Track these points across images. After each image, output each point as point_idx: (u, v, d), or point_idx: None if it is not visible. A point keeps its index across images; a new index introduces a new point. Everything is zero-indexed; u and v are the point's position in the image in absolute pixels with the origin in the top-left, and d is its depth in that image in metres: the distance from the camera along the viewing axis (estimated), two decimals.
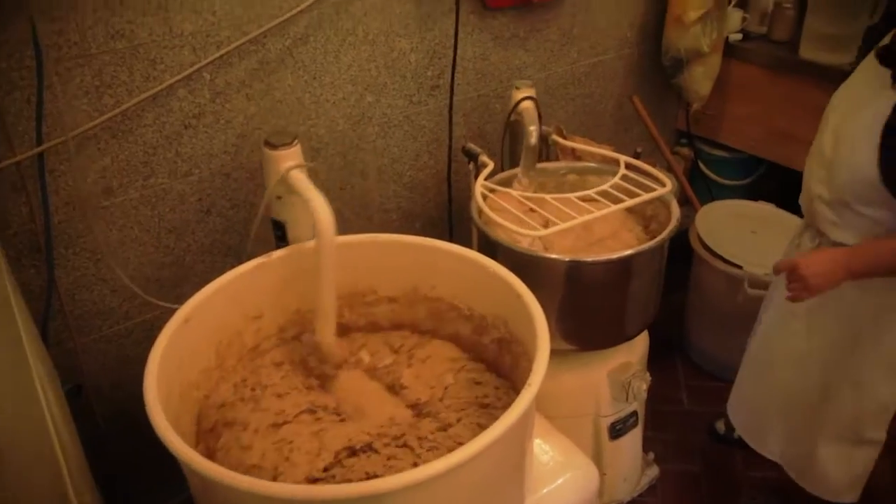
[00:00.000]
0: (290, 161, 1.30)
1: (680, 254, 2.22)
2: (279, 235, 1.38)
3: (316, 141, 1.71)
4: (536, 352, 1.00)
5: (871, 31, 2.02)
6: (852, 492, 1.66)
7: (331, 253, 1.19)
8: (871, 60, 1.34)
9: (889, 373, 1.49)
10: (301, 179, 1.27)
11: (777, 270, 1.41)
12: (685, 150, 2.67)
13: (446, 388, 1.19)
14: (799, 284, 1.33)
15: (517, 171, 1.74)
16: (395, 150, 1.87)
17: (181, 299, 1.18)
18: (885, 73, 1.25)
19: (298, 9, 1.53)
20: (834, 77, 2.09)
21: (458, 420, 1.11)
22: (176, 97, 1.46)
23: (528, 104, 1.71)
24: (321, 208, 1.19)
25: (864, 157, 1.26)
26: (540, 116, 1.69)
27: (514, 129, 1.79)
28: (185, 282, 1.63)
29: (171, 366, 1.08)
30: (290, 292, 1.32)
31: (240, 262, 1.35)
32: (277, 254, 1.30)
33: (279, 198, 1.33)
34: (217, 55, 1.46)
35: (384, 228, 1.93)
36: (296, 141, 1.33)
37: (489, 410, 1.15)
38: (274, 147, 1.31)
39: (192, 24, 1.42)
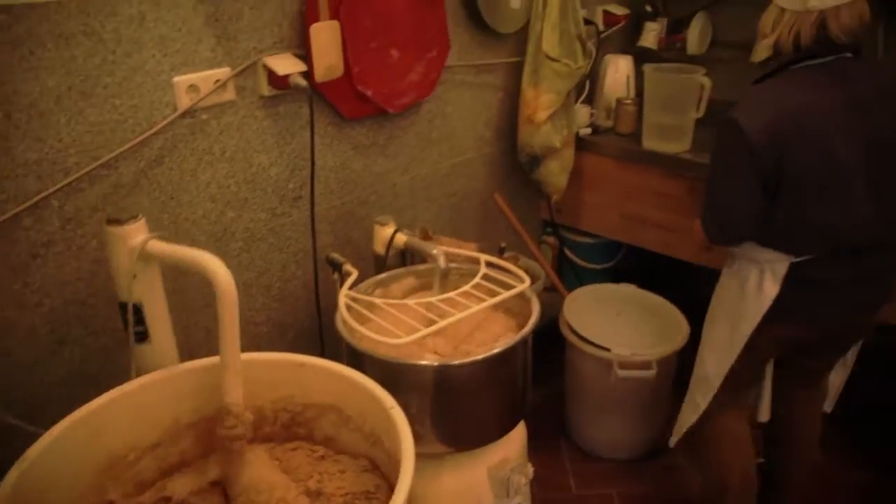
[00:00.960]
0: (141, 234, 1.27)
1: (555, 340, 2.30)
2: (137, 320, 1.33)
3: (193, 272, 1.67)
4: (401, 468, 1.00)
5: (699, 123, 2.22)
6: (675, 437, 1.96)
7: (233, 308, 1.18)
8: None
9: (712, 352, 1.77)
10: (169, 246, 1.24)
11: None
12: (551, 239, 2.79)
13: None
14: None
15: (383, 276, 1.77)
16: (261, 263, 1.86)
17: (32, 441, 1.13)
18: None
19: (151, 131, 1.53)
20: (673, 164, 2.27)
21: None
22: (21, 227, 1.41)
23: (403, 237, 1.76)
24: (211, 261, 1.17)
25: None
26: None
27: (388, 266, 1.83)
28: (36, 421, 1.53)
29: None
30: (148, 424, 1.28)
31: (100, 391, 1.30)
32: (138, 381, 1.27)
33: (135, 277, 1.28)
34: (65, 182, 1.43)
35: (255, 341, 1.90)
36: (140, 215, 1.30)
37: None
38: (120, 223, 1.26)
39: (36, 153, 1.39)
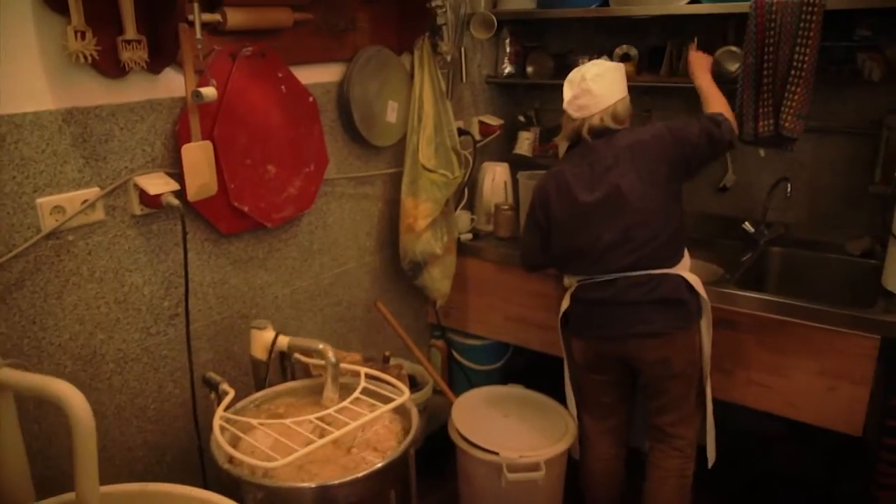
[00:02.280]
0: None
1: (447, 444, 2.28)
2: None
3: (46, 400, 1.59)
4: None
5: None
6: None
7: (89, 438, 1.12)
8: None
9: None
10: (22, 375, 1.18)
11: None
12: (440, 343, 2.81)
13: None
14: None
15: (263, 393, 1.74)
16: (136, 385, 1.79)
17: None
18: None
19: (11, 254, 1.48)
20: None
21: None
22: None
23: (286, 339, 1.75)
24: (64, 388, 1.11)
25: None
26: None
27: (270, 369, 1.80)
28: None
29: None
30: None
31: None
32: None
33: None
34: None
35: (129, 468, 1.80)
36: None
37: None
38: None
39: None
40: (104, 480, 1.38)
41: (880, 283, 2.06)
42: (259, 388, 1.79)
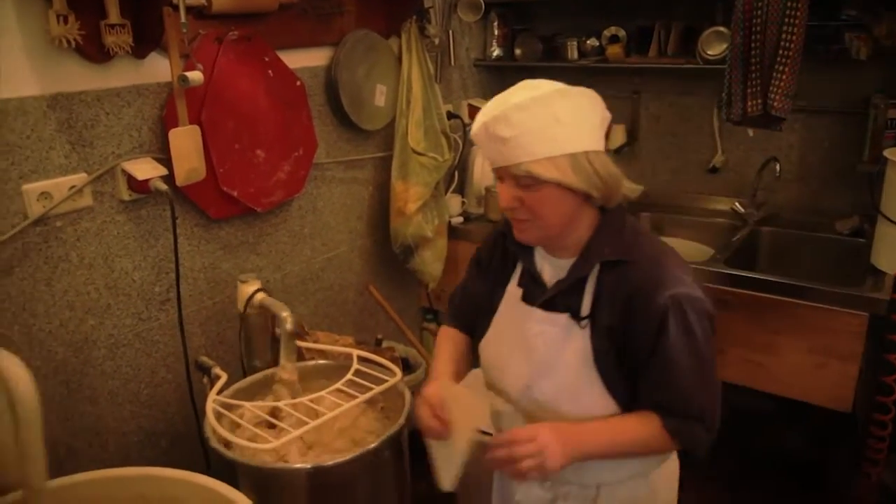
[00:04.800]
0: None
1: None
2: None
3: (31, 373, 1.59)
4: None
5: None
6: None
7: (33, 419, 1.08)
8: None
9: None
10: None
11: None
12: (432, 326, 2.81)
13: None
14: None
15: (259, 375, 1.74)
16: (128, 370, 1.79)
17: None
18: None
19: None
20: None
21: None
22: None
23: (262, 295, 1.74)
24: (12, 370, 1.06)
25: None
26: None
27: (249, 324, 1.80)
28: None
29: None
30: None
31: None
32: None
33: None
34: None
35: (123, 453, 1.81)
36: None
37: None
38: None
39: None
40: (98, 466, 1.39)
41: (869, 260, 2.07)
42: (242, 342, 1.83)
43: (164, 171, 1.68)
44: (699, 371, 1.18)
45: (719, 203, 2.63)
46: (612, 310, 1.21)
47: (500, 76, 2.99)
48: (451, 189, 2.67)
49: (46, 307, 1.60)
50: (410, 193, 2.33)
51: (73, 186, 1.58)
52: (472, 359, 1.48)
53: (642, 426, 1.21)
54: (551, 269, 1.29)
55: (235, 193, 1.86)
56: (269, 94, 1.91)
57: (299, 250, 2.20)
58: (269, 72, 1.90)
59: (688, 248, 2.44)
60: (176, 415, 1.93)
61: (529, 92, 1.14)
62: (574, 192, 1.16)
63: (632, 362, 1.21)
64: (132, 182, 1.65)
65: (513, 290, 1.35)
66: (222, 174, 1.81)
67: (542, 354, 1.26)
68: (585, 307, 1.23)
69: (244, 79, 1.84)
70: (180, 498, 1.24)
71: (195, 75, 1.61)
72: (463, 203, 2.70)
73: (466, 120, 2.73)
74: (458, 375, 1.42)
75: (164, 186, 1.64)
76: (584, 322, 1.23)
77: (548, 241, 1.26)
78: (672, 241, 2.43)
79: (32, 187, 1.52)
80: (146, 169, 1.65)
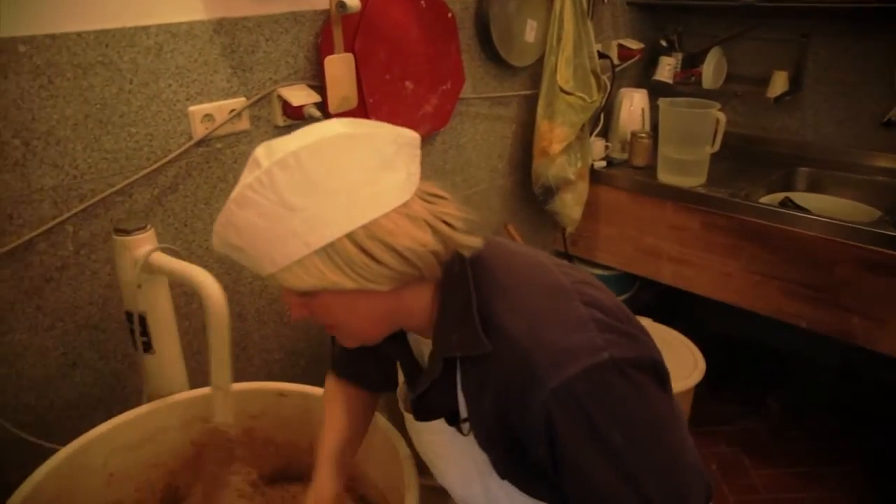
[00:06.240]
0: (147, 245, 1.29)
1: None
2: (142, 330, 1.36)
3: (188, 287, 1.69)
4: None
5: (714, 158, 2.21)
6: None
7: (223, 326, 1.16)
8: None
9: None
10: (169, 259, 1.25)
11: None
12: None
13: None
14: None
15: None
16: (274, 290, 1.87)
17: (42, 460, 1.19)
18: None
19: (166, 159, 1.56)
20: (688, 198, 2.27)
21: None
22: (35, 251, 1.43)
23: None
24: (203, 276, 1.17)
25: None
26: None
27: None
28: (48, 440, 1.54)
29: None
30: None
31: (110, 415, 1.32)
32: (144, 409, 1.29)
33: (139, 286, 1.30)
34: (80, 208, 1.45)
35: (266, 369, 1.91)
36: (149, 226, 1.32)
37: None
38: (127, 233, 1.29)
39: (52, 179, 1.41)
40: (245, 378, 1.47)
41: None
42: None
43: (317, 98, 1.71)
44: (628, 470, 0.81)
45: (891, 161, 2.41)
46: (485, 414, 0.88)
47: (654, 16, 2.84)
48: (595, 132, 2.59)
49: (205, 224, 1.69)
50: (555, 133, 2.28)
51: (232, 110, 1.64)
52: (371, 417, 1.24)
53: None
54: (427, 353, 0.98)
55: None
56: (420, 24, 1.90)
57: (440, 185, 2.20)
58: (422, 2, 1.89)
59: (850, 209, 2.26)
60: (315, 337, 2.00)
61: (249, 174, 0.80)
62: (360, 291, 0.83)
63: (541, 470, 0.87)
64: (287, 108, 1.69)
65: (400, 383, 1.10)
66: (371, 104, 1.82)
67: (447, 465, 1.02)
68: (462, 407, 0.92)
69: (397, 8, 1.83)
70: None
71: (353, 1, 1.61)
72: (607, 147, 2.61)
73: (616, 61, 2.63)
74: (353, 452, 1.18)
75: (317, 113, 1.67)
76: (465, 426, 0.93)
77: (379, 339, 0.94)
78: (832, 201, 2.27)
79: (197, 109, 1.59)
80: (301, 95, 1.69)
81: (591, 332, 0.82)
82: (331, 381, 1.23)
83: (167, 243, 1.62)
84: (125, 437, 1.30)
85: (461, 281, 0.87)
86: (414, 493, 1.08)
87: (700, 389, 2.16)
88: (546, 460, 0.83)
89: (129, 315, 1.35)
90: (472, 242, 0.86)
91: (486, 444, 0.91)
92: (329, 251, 0.79)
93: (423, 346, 0.99)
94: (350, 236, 0.79)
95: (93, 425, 1.31)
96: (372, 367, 1.16)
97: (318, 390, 1.38)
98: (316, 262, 0.79)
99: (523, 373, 0.81)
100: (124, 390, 1.63)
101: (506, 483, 0.92)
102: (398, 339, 1.01)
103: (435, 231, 0.84)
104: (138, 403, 1.39)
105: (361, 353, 1.10)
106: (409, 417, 1.03)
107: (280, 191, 0.77)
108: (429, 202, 0.86)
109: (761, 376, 2.80)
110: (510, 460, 0.90)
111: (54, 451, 1.25)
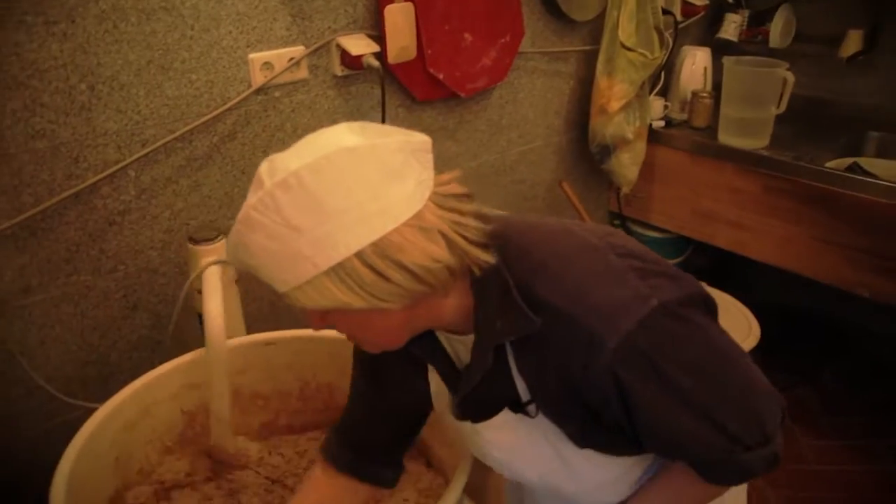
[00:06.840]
0: (210, 257, 1.31)
1: None
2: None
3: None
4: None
5: (779, 119, 2.14)
6: None
7: (220, 360, 1.19)
8: None
9: None
10: (208, 278, 1.28)
11: None
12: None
13: None
14: None
15: None
16: None
17: (107, 397, 1.22)
18: None
19: (226, 107, 1.57)
20: (750, 160, 2.21)
21: None
22: (99, 195, 1.46)
23: None
24: (210, 314, 1.20)
25: None
26: None
27: None
28: (111, 379, 1.59)
29: (84, 469, 1.07)
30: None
31: (168, 357, 1.35)
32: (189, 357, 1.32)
33: (199, 292, 1.33)
34: (142, 153, 1.48)
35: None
36: (220, 237, 1.35)
37: None
38: (196, 242, 1.32)
39: (116, 123, 1.44)
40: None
41: None
42: None
43: (376, 47, 1.69)
44: (704, 408, 0.83)
45: None
46: (552, 391, 0.88)
47: None
48: (655, 90, 2.52)
49: None
50: (615, 91, 2.23)
51: (291, 58, 1.63)
52: None
53: (689, 486, 0.95)
54: (465, 350, 0.94)
55: (441, 76, 1.85)
56: None
57: (495, 141, 2.18)
58: None
59: None
60: None
61: (253, 194, 0.77)
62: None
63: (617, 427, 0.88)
64: (345, 57, 1.68)
65: (439, 391, 1.04)
66: (430, 55, 1.80)
67: (519, 455, 1.00)
68: (522, 390, 0.91)
69: None
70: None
71: None
72: (666, 107, 2.55)
73: (679, 17, 2.54)
74: None
75: (376, 63, 1.66)
76: (531, 408, 0.92)
77: (401, 344, 0.90)
78: None
79: (257, 56, 1.59)
80: (360, 45, 1.67)
81: (633, 282, 0.81)
82: (317, 474, 1.12)
83: (224, 191, 1.64)
84: (125, 416, 1.28)
85: (493, 270, 0.84)
86: (467, 462, 1.09)
87: (751, 356, 2.13)
88: (622, 419, 0.84)
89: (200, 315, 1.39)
90: (486, 258, 0.81)
91: (559, 419, 0.90)
92: (339, 271, 0.75)
93: (456, 345, 0.96)
94: (359, 255, 0.75)
95: (153, 366, 1.34)
96: (382, 453, 1.11)
97: (307, 332, 1.38)
98: (326, 282, 0.76)
99: (580, 340, 0.80)
100: (181, 334, 1.66)
101: (586, 450, 0.93)
102: (427, 342, 0.97)
103: (450, 243, 0.78)
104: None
105: (370, 429, 1.07)
106: (464, 427, 1.00)
107: (284, 212, 0.74)
108: (445, 207, 0.79)
109: (814, 346, 2.74)
110: (587, 429, 0.90)
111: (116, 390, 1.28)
